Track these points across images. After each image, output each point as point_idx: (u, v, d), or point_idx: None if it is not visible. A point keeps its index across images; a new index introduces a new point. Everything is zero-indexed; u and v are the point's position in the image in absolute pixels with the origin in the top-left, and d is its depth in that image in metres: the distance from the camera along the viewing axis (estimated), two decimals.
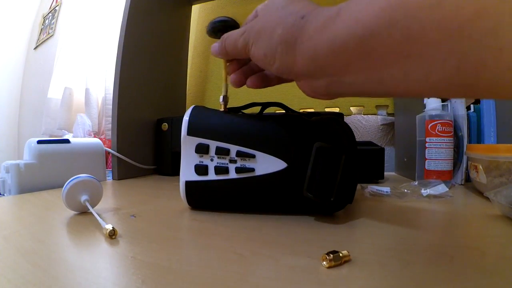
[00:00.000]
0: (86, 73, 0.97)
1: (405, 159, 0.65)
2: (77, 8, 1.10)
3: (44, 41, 1.40)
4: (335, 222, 0.28)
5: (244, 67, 0.30)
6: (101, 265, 0.19)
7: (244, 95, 0.90)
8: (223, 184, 0.30)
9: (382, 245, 0.21)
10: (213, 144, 0.30)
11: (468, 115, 0.52)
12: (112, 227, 0.23)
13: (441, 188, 0.40)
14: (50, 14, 1.41)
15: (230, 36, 0.27)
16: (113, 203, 0.38)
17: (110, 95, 0.93)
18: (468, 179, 0.49)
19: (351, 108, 0.80)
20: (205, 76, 0.97)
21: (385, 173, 0.63)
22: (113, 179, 0.60)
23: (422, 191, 0.39)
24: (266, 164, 0.29)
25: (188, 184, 0.31)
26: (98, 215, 0.27)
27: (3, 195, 0.47)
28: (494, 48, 0.12)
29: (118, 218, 0.30)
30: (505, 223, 0.27)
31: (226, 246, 0.22)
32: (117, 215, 0.31)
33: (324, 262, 0.18)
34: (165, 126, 0.67)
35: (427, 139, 0.48)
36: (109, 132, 0.89)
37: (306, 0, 0.22)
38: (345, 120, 0.77)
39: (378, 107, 0.78)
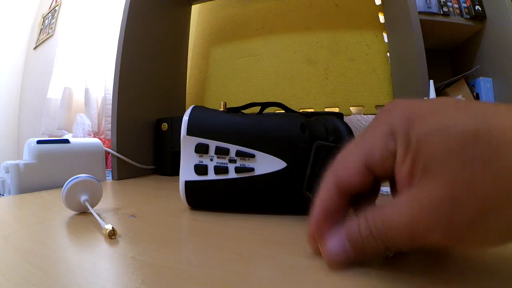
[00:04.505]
0: (85, 73, 0.97)
1: None
2: (76, 8, 1.10)
3: (44, 41, 1.40)
4: None
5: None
6: (100, 265, 0.19)
7: (244, 95, 0.91)
8: (223, 184, 0.30)
9: None
10: (212, 144, 0.30)
11: None
12: (112, 227, 0.23)
13: None
14: (49, 14, 1.41)
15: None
16: (113, 203, 0.38)
17: (109, 95, 0.93)
18: None
19: (351, 108, 0.80)
20: (205, 77, 0.97)
21: None
22: (112, 179, 0.60)
23: None
24: (266, 163, 0.29)
25: (188, 184, 0.31)
26: (98, 215, 0.27)
27: (3, 195, 0.47)
28: None
29: (118, 218, 0.30)
30: None
31: (226, 246, 0.22)
32: (116, 215, 0.31)
33: None
34: (165, 126, 0.67)
35: None
36: (109, 132, 0.89)
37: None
38: (345, 120, 0.77)
39: (378, 107, 0.78)
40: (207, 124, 0.30)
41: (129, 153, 0.62)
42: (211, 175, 0.30)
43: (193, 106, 0.33)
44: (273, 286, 0.16)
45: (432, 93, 0.48)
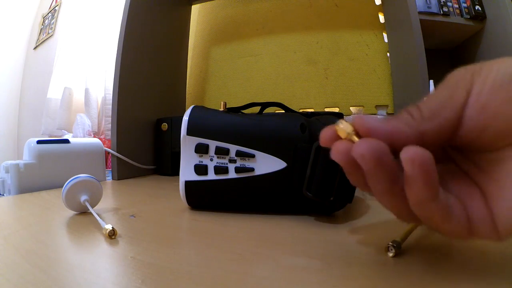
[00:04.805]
0: (85, 73, 0.97)
1: None
2: (76, 8, 1.10)
3: (44, 41, 1.40)
4: (335, 222, 0.28)
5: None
6: (100, 265, 0.19)
7: (244, 95, 0.91)
8: (223, 184, 0.30)
9: (382, 245, 0.21)
10: (212, 144, 0.30)
11: None
12: (112, 227, 0.23)
13: None
14: (49, 14, 1.41)
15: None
16: (113, 203, 0.38)
17: (109, 95, 0.93)
18: None
19: (351, 108, 0.80)
20: (205, 76, 0.97)
21: None
22: (112, 179, 0.60)
23: None
24: (266, 163, 0.29)
25: (188, 184, 0.31)
26: (98, 215, 0.27)
27: (3, 195, 0.47)
28: None
29: (118, 218, 0.30)
30: None
31: (226, 246, 0.22)
32: (116, 215, 0.31)
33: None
34: (165, 126, 0.67)
35: None
36: (109, 132, 0.89)
37: None
38: None
39: (378, 107, 0.78)
40: (207, 124, 0.30)
41: (129, 153, 0.62)
42: (211, 175, 0.30)
43: (193, 106, 0.33)
44: (273, 286, 0.16)
45: None
